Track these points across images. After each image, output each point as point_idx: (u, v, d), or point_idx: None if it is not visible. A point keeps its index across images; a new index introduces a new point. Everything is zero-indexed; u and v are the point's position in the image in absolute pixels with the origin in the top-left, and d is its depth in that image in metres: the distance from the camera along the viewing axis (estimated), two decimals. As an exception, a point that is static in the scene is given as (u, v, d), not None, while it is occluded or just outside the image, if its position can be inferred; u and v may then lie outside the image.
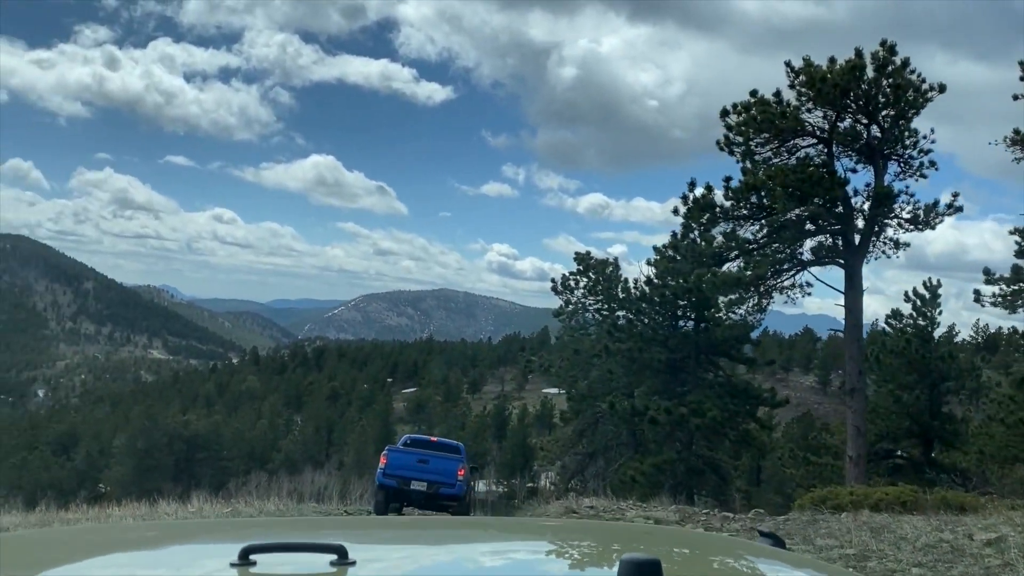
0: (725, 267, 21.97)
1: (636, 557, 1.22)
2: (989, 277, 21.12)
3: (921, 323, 26.08)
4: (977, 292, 21.48)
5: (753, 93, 20.39)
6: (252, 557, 1.36)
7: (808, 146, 21.09)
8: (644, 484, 24.68)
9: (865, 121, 20.65)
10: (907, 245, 21.34)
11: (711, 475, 28.41)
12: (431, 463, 14.76)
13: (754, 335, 30.88)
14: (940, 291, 26.14)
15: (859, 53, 19.62)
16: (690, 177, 21.90)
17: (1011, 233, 21.31)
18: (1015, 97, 19.52)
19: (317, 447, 64.48)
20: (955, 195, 20.99)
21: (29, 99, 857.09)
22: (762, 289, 22.29)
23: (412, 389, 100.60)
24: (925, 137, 20.66)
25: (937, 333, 26.41)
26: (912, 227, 20.97)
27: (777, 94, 20.16)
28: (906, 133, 20.61)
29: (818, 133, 20.78)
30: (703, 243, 22.80)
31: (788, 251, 21.75)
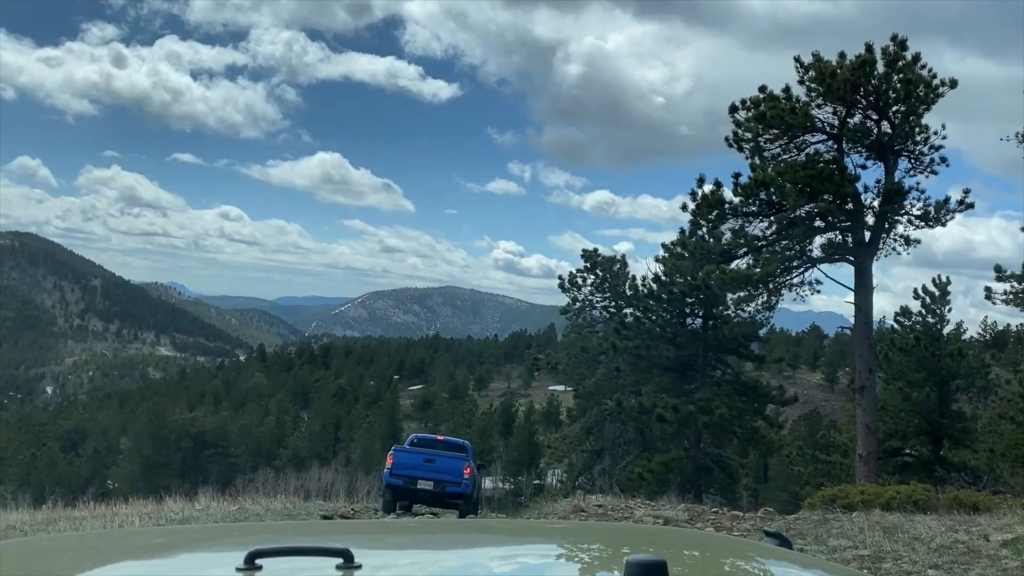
0: (734, 264, 21.87)
1: (642, 558, 1.23)
2: (1000, 274, 20.97)
3: (930, 320, 25.93)
4: (988, 289, 21.36)
5: (762, 89, 20.27)
6: (258, 562, 1.36)
7: (818, 142, 20.98)
8: (652, 482, 24.60)
9: (875, 117, 20.50)
10: (917, 242, 21.22)
11: (719, 473, 28.31)
12: (437, 462, 14.81)
13: (761, 332, 30.76)
14: (949, 288, 25.98)
15: (869, 48, 19.46)
16: (697, 174, 21.80)
17: (1022, 230, 21.15)
18: (1026, 92, 19.35)
19: (324, 444, 64.50)
20: (966, 191, 20.87)
21: (37, 97, 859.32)
22: (771, 286, 22.16)
23: (419, 386, 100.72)
24: (936, 133, 20.51)
25: (946, 331, 26.26)
26: (923, 224, 20.83)
27: (786, 90, 20.04)
28: (916, 129, 20.45)
29: (828, 129, 20.64)
30: (711, 240, 22.70)
31: (797, 248, 21.62)
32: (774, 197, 20.56)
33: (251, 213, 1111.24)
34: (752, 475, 40.16)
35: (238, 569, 1.35)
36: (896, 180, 20.53)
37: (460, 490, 14.59)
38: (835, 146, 20.86)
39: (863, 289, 20.73)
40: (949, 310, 25.88)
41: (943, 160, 20.76)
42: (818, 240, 21.64)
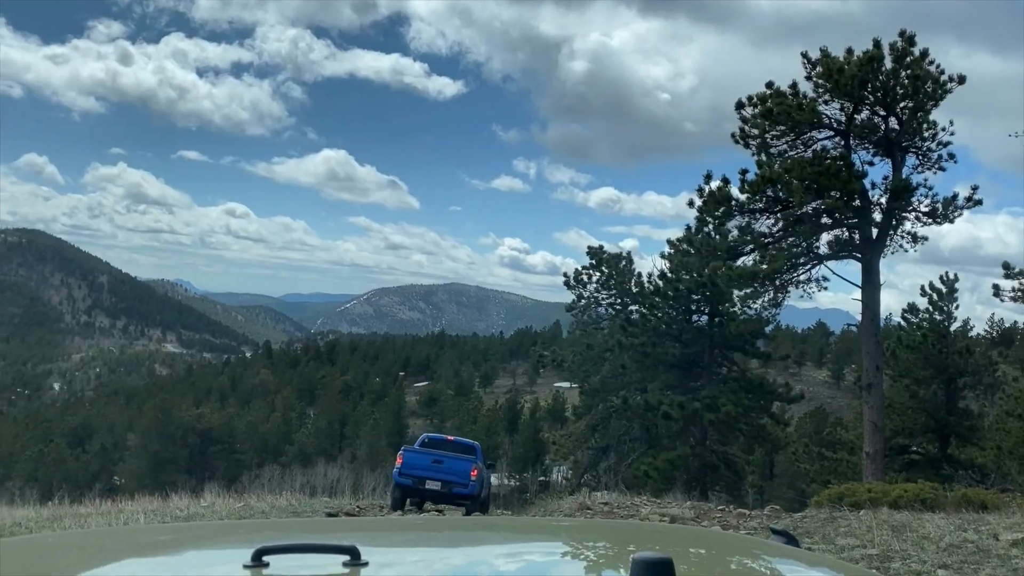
0: (740, 261, 21.77)
1: (648, 556, 1.22)
2: (1008, 271, 20.83)
3: (937, 317, 25.83)
4: (996, 286, 21.21)
5: (769, 85, 20.16)
6: (265, 559, 1.37)
7: (825, 139, 20.85)
8: (658, 479, 24.57)
9: (883, 113, 20.37)
10: (925, 239, 21.09)
11: (725, 470, 28.26)
12: (445, 463, 15.07)
13: (767, 329, 30.69)
14: (956, 285, 25.89)
15: (877, 44, 19.34)
16: (702, 171, 21.68)
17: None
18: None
19: (330, 440, 64.63)
20: (974, 188, 20.73)
21: (43, 94, 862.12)
22: (777, 283, 22.07)
23: (424, 383, 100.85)
24: (944, 129, 20.37)
25: (953, 328, 26.16)
26: (931, 221, 20.70)
27: (793, 86, 19.93)
28: (924, 125, 20.32)
29: (835, 125, 20.52)
30: (718, 237, 22.63)
31: (804, 245, 21.52)
32: (781, 194, 20.47)
33: (257, 210, 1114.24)
34: (758, 472, 40.13)
35: (245, 566, 1.35)
36: (904, 176, 20.41)
37: (467, 491, 14.87)
38: (842, 142, 20.75)
39: (870, 286, 20.62)
40: (956, 307, 25.81)
41: (951, 156, 20.64)
42: (825, 237, 21.56)
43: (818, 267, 21.71)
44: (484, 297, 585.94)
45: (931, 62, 19.42)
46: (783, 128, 20.44)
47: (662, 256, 29.06)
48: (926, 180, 20.71)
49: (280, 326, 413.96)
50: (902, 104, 19.99)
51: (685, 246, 27.21)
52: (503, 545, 1.89)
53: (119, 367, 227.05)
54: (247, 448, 61.86)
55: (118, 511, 13.57)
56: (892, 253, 21.44)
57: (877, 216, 20.73)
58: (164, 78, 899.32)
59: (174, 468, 54.17)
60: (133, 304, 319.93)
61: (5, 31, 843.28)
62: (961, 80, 19.70)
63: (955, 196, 20.66)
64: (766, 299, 25.07)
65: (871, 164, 20.94)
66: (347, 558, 1.37)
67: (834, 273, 21.94)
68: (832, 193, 20.13)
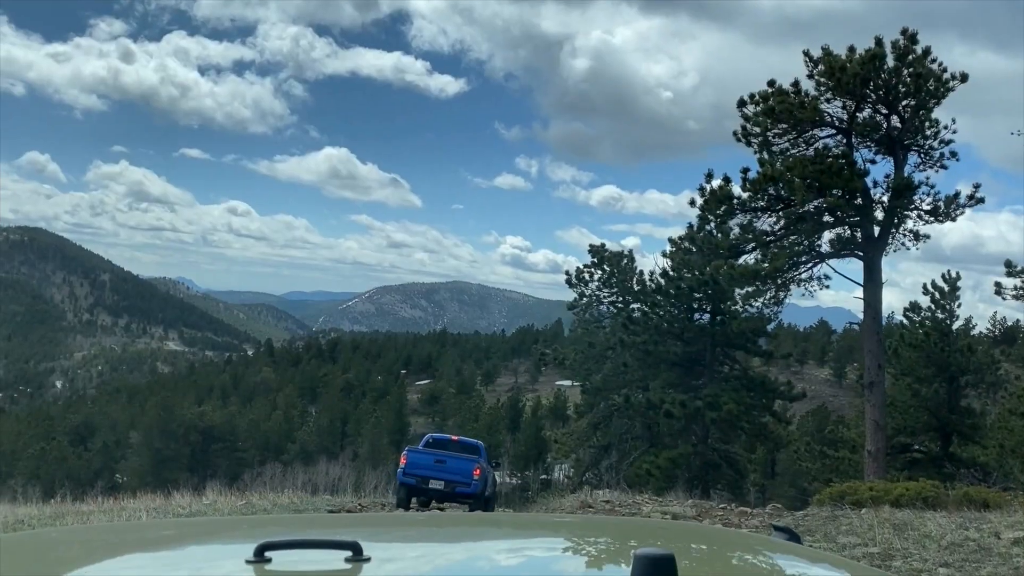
0: (742, 259, 21.75)
1: (650, 552, 1.22)
2: (1011, 270, 20.82)
3: (939, 316, 25.83)
4: (998, 285, 21.21)
5: (771, 83, 20.14)
6: (268, 554, 1.37)
7: (826, 137, 20.82)
8: (659, 478, 24.58)
9: (885, 111, 20.34)
10: (927, 237, 21.07)
11: (726, 469, 28.27)
12: (448, 463, 15.33)
13: (769, 328, 30.70)
14: (958, 284, 25.87)
15: (879, 42, 19.32)
16: (704, 169, 21.77)
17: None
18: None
19: (331, 438, 64.72)
20: (976, 186, 20.71)
21: (46, 92, 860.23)
22: (779, 282, 22.06)
23: (426, 381, 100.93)
24: (946, 127, 20.35)
25: (955, 326, 26.15)
26: (933, 219, 20.68)
27: (795, 84, 19.91)
28: (926, 123, 20.29)
29: (837, 123, 20.50)
30: (719, 235, 22.58)
31: (806, 243, 21.50)
32: (783, 192, 20.45)
33: (259, 208, 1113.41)
34: (760, 471, 40.14)
35: (248, 561, 1.36)
36: (905, 175, 20.39)
37: (469, 490, 15.10)
38: (844, 141, 20.73)
39: (872, 284, 20.61)
40: (958, 305, 25.82)
41: (953, 154, 20.61)
42: (827, 235, 21.55)
43: (820, 265, 21.72)
44: (486, 295, 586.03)
45: (933, 60, 19.41)
46: (785, 126, 20.42)
47: (664, 254, 29.08)
48: (928, 178, 20.71)
49: (282, 324, 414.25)
50: (904, 102, 19.97)
51: (687, 244, 27.19)
52: (505, 541, 1.90)
53: (121, 365, 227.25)
54: (249, 446, 61.95)
55: (120, 509, 13.59)
56: (894, 251, 21.45)
57: (879, 214, 20.72)
58: (166, 76, 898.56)
59: (176, 466, 54.28)
60: (135, 302, 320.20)
61: (7, 29, 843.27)
62: (963, 78, 19.67)
63: (957, 194, 20.65)
64: (768, 297, 25.08)
65: (873, 162, 20.95)
66: (349, 553, 1.37)
67: (836, 271, 21.95)
68: (834, 191, 20.12)
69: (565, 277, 34.93)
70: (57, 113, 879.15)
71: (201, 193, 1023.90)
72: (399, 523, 2.66)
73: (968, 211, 20.88)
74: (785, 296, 23.80)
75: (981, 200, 20.67)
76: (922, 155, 20.71)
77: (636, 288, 31.90)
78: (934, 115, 20.16)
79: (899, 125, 20.32)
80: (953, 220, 20.79)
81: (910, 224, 20.94)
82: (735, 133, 20.77)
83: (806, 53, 19.91)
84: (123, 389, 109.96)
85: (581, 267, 34.49)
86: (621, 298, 33.04)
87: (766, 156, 20.55)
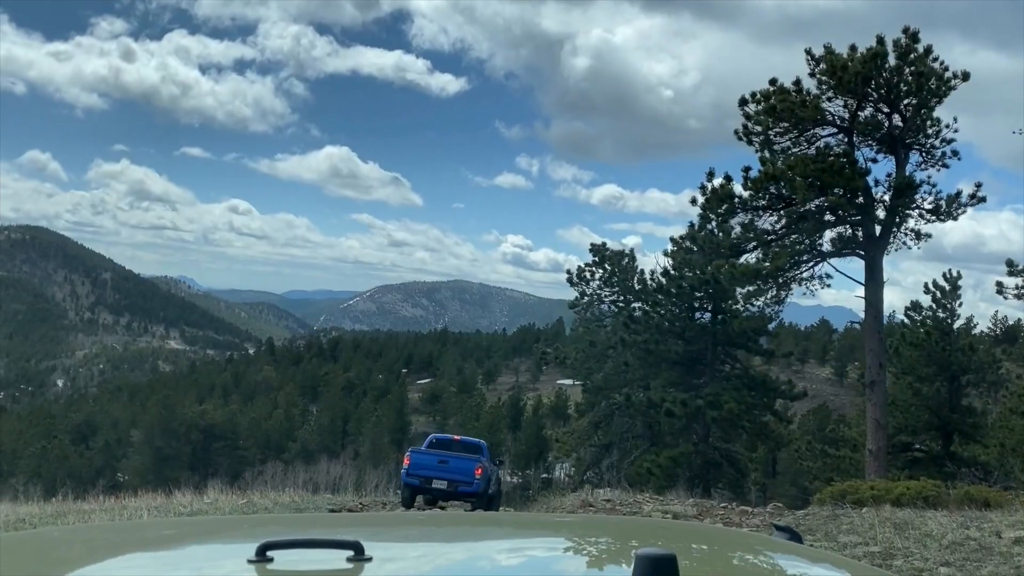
0: (743, 258, 21.75)
1: (652, 552, 1.22)
2: (1012, 269, 20.81)
3: (941, 315, 25.80)
4: (999, 284, 21.19)
5: (772, 82, 20.12)
6: (269, 553, 1.38)
7: (828, 136, 20.82)
8: (660, 477, 24.58)
9: (886, 110, 20.34)
10: (929, 236, 21.07)
11: (728, 468, 28.27)
12: (450, 463, 15.51)
13: (770, 327, 30.70)
14: (959, 283, 25.84)
15: (881, 41, 19.31)
16: (705, 168, 21.76)
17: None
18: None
19: (332, 437, 64.75)
20: (978, 185, 20.72)
21: (47, 91, 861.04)
22: (780, 280, 22.05)
23: (427, 380, 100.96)
24: (947, 126, 20.35)
25: (956, 325, 26.13)
26: (934, 218, 20.69)
27: (797, 83, 19.90)
28: (928, 122, 20.29)
29: (838, 122, 20.49)
30: (721, 234, 22.58)
31: (807, 242, 21.50)
32: (784, 191, 20.44)
33: (260, 207, 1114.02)
34: (761, 470, 40.12)
35: (249, 561, 1.37)
36: (907, 174, 20.37)
37: (472, 490, 15.27)
38: (846, 139, 20.72)
39: (873, 283, 20.60)
40: (960, 304, 25.79)
41: (954, 153, 20.61)
42: (828, 234, 21.55)
43: (821, 264, 21.72)
44: (487, 294, 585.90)
45: (935, 59, 19.40)
46: (786, 125, 20.42)
47: (665, 253, 29.08)
48: (929, 177, 20.71)
49: (283, 323, 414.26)
50: (906, 101, 19.96)
51: (688, 243, 27.17)
52: (506, 540, 1.90)
53: (122, 364, 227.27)
54: (250, 445, 61.98)
55: (122, 507, 13.60)
56: (895, 250, 21.46)
57: (880, 213, 20.71)
58: (167, 75, 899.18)
59: (177, 465, 54.33)
60: (136, 301, 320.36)
61: (8, 28, 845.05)
62: (965, 77, 19.67)
63: (958, 193, 20.65)
64: (769, 296, 25.06)
65: (874, 161, 20.96)
66: (351, 553, 1.38)
67: (837, 270, 21.95)
68: (835, 190, 20.11)
69: (566, 276, 34.93)
70: (58, 112, 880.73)
71: (202, 192, 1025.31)
72: (400, 522, 2.65)
73: (969, 210, 20.91)
74: (786, 295, 23.80)
75: (982, 199, 20.67)
76: (923, 154, 20.71)
77: (637, 287, 31.90)
78: (935, 114, 20.18)
79: (901, 124, 20.32)
80: (954, 219, 20.80)
81: (911, 223, 20.97)
82: (736, 132, 20.78)
83: (808, 52, 19.91)
84: (124, 388, 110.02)
85: (582, 266, 34.49)
86: (622, 297, 33.04)
87: (767, 155, 20.55)
